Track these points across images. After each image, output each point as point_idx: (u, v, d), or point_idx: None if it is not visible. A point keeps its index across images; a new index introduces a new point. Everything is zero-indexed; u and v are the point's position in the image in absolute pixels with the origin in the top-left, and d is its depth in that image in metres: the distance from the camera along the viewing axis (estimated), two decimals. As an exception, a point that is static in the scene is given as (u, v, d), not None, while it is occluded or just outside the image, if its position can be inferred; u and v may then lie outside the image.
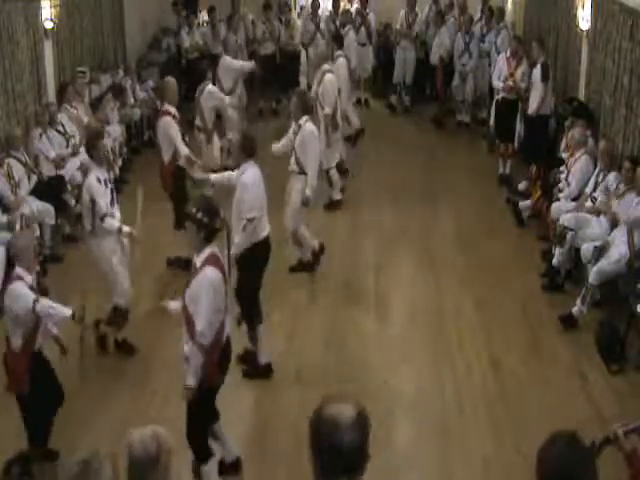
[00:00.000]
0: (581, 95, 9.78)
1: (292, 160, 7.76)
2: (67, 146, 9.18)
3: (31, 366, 5.11)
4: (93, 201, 6.34)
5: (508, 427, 5.65)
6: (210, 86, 9.54)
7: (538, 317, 7.25)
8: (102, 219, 6.35)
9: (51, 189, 8.61)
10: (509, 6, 14.53)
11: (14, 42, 8.95)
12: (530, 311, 7.35)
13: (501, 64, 10.56)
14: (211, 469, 4.96)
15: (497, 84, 10.57)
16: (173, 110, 7.91)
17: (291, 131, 7.71)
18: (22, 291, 5.01)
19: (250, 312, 6.23)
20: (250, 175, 6.18)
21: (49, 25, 9.88)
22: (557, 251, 7.67)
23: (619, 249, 6.85)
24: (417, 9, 13.45)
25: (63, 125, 9.34)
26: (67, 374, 6.24)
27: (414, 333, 7.09)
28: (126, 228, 6.46)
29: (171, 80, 8.17)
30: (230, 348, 5.03)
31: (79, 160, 8.89)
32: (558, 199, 8.29)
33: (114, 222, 6.42)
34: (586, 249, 7.19)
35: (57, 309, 5.13)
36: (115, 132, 10.38)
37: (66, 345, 5.48)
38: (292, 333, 7.00)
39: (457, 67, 12.83)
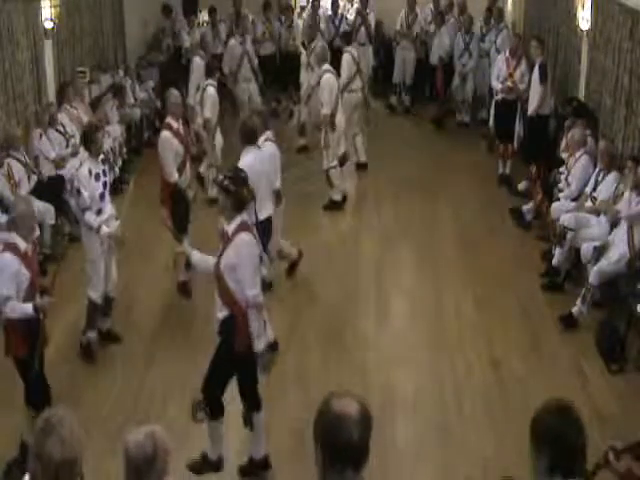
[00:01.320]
0: (581, 95, 9.78)
1: None
2: (67, 146, 9.18)
3: (28, 331, 5.19)
4: (78, 191, 6.37)
5: (508, 427, 5.64)
6: (211, 89, 9.56)
7: (538, 317, 7.25)
8: (83, 212, 6.42)
9: (51, 189, 8.61)
10: (509, 6, 14.52)
11: (14, 42, 8.96)
12: (530, 311, 7.35)
13: (500, 64, 10.56)
14: (261, 419, 5.20)
15: (496, 85, 10.56)
16: (175, 125, 7.42)
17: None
18: (7, 275, 5.02)
19: None
20: (246, 159, 6.51)
21: (49, 25, 9.89)
22: (557, 251, 7.67)
23: (619, 249, 6.85)
24: (417, 9, 13.45)
25: (63, 125, 9.34)
26: (66, 373, 6.25)
27: (414, 333, 7.10)
28: (105, 229, 6.40)
29: (173, 92, 7.72)
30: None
31: (79, 160, 8.88)
32: (558, 199, 8.29)
33: (94, 219, 6.38)
34: (586, 249, 7.18)
35: (20, 309, 5.14)
36: (115, 132, 10.37)
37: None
38: (292, 333, 7.00)
39: (457, 67, 12.83)
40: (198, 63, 10.93)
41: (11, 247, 5.09)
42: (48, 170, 8.83)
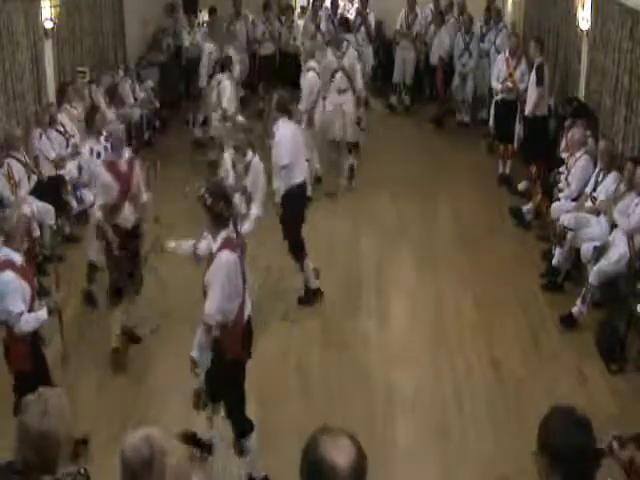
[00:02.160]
0: (581, 95, 9.77)
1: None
2: (67, 146, 9.16)
3: (31, 345, 5.16)
4: (80, 169, 7.36)
5: (508, 427, 5.65)
6: (226, 82, 9.86)
7: (538, 317, 7.25)
8: (83, 188, 7.49)
9: (51, 189, 8.60)
10: (509, 6, 14.51)
11: (14, 42, 8.95)
12: (530, 311, 7.35)
13: (500, 64, 10.57)
14: (252, 444, 5.05)
15: (496, 85, 10.57)
16: (115, 159, 6.46)
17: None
18: (13, 292, 4.95)
19: (295, 245, 7.25)
20: (282, 130, 7.10)
21: (49, 25, 9.88)
22: (557, 251, 7.67)
23: (619, 249, 6.85)
24: (417, 9, 13.45)
25: (63, 125, 9.33)
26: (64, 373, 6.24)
27: (414, 333, 7.10)
28: (97, 213, 6.66)
29: (115, 127, 7.02)
30: (251, 326, 5.08)
31: (79, 161, 8.89)
32: (558, 199, 8.29)
33: (90, 197, 7.30)
34: (586, 249, 7.18)
35: (35, 318, 5.09)
36: (115, 132, 10.37)
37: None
38: (292, 334, 7.00)
39: (457, 67, 12.84)
40: (209, 46, 11.48)
41: (9, 265, 5.03)
42: (48, 170, 8.82)
